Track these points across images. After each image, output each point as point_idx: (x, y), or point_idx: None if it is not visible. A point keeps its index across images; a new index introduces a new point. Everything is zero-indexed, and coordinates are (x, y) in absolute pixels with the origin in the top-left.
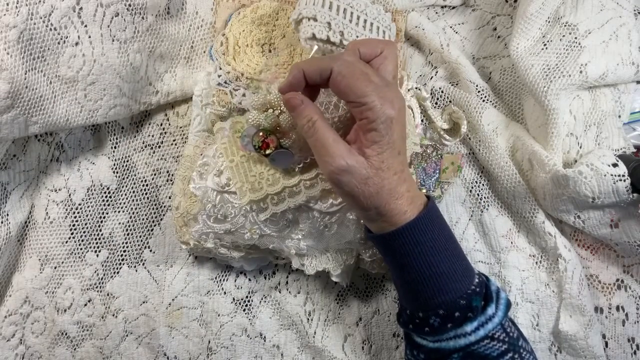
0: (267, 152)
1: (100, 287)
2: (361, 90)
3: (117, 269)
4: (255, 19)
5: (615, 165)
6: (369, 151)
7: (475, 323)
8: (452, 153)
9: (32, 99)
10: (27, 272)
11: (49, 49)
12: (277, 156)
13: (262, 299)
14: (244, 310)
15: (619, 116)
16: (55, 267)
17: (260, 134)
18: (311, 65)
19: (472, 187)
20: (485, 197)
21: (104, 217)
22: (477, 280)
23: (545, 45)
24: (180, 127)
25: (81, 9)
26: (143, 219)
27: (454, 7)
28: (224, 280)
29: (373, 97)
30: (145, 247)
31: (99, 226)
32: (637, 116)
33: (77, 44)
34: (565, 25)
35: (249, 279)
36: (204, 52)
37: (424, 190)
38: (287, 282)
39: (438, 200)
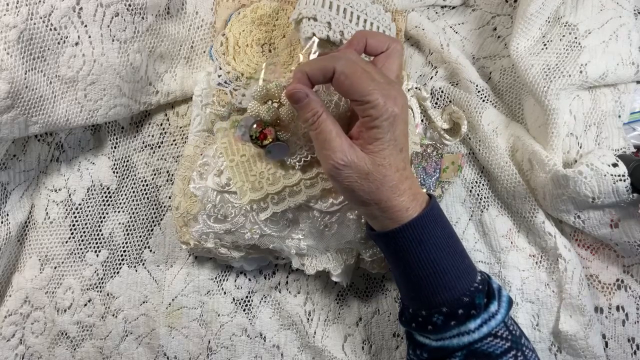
0: (265, 143)
1: (100, 287)
2: (364, 89)
3: (117, 269)
4: (255, 19)
5: (615, 165)
6: (371, 147)
7: (479, 320)
8: (453, 153)
9: (32, 99)
10: (27, 272)
11: (49, 49)
12: (273, 148)
13: (262, 299)
14: (244, 310)
15: (619, 116)
16: (55, 267)
17: (256, 125)
18: (313, 68)
19: (472, 187)
20: (485, 197)
21: (104, 217)
22: (479, 277)
23: (545, 45)
24: (180, 127)
25: (81, 9)
26: (143, 219)
27: (454, 7)
28: (224, 280)
29: (376, 95)
30: (145, 247)
31: (99, 226)
32: (637, 116)
33: (77, 44)
34: (565, 25)
35: (249, 279)
36: (204, 52)
37: (425, 190)
38: (287, 282)
39: (438, 199)
